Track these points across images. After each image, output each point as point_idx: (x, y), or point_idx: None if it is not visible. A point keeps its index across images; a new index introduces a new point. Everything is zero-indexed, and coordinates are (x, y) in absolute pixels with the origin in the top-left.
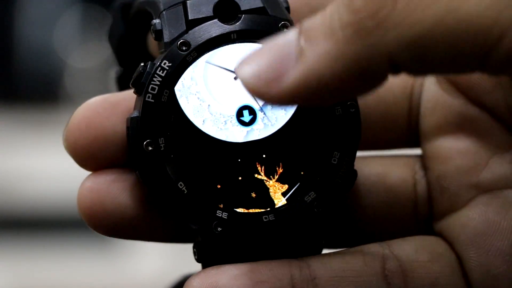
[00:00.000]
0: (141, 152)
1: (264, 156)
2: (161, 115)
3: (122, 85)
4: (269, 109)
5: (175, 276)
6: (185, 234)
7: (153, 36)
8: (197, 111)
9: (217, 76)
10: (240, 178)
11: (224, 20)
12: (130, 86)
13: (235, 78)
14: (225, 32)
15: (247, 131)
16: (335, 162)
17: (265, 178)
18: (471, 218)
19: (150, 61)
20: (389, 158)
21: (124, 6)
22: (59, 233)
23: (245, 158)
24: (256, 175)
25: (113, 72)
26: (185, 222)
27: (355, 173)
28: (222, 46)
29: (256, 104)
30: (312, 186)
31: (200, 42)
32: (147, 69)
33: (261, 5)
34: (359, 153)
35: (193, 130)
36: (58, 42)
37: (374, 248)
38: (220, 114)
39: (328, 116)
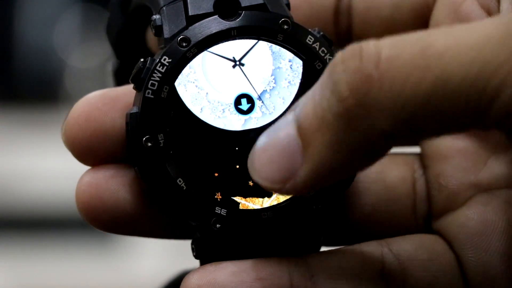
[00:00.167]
0: (140, 148)
1: None
2: (160, 111)
3: (119, 78)
4: (267, 97)
5: (173, 273)
6: (183, 230)
7: (153, 31)
8: (195, 99)
9: (216, 65)
10: (237, 166)
11: (224, 17)
12: (130, 81)
13: (234, 67)
14: (225, 28)
15: (245, 120)
16: None
17: None
18: (469, 218)
19: (148, 55)
20: (388, 156)
21: (123, 1)
22: (58, 232)
23: (243, 147)
24: None
25: (110, 65)
26: (184, 219)
27: None
28: (222, 42)
29: (254, 93)
30: None
31: (200, 38)
32: (147, 65)
33: (261, 1)
34: None
35: (191, 120)
36: (58, 42)
37: (373, 246)
38: (218, 102)
39: None
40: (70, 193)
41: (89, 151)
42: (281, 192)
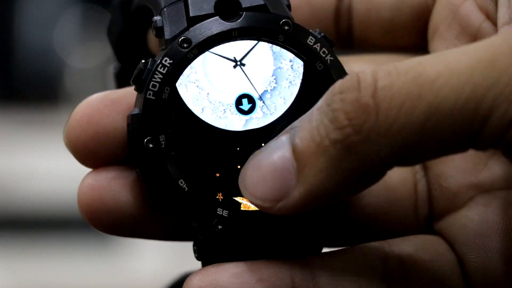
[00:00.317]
0: (141, 150)
1: (263, 145)
2: (162, 112)
3: (120, 81)
4: (268, 97)
5: (175, 275)
6: (185, 232)
7: (154, 32)
8: (196, 99)
9: (217, 65)
10: (239, 167)
11: (225, 18)
12: (131, 83)
13: (235, 67)
14: (226, 29)
15: (246, 120)
16: None
17: None
18: (470, 219)
19: (149, 57)
20: None
21: (123, 2)
22: (59, 233)
23: (244, 147)
24: None
25: (111, 67)
26: (185, 220)
27: None
28: (223, 43)
29: (255, 93)
30: None
31: (201, 39)
32: (148, 66)
33: (262, 2)
34: None
35: (193, 121)
36: (58, 42)
37: (375, 247)
38: (219, 103)
39: None
40: (70, 193)
41: (90, 153)
42: (271, 211)
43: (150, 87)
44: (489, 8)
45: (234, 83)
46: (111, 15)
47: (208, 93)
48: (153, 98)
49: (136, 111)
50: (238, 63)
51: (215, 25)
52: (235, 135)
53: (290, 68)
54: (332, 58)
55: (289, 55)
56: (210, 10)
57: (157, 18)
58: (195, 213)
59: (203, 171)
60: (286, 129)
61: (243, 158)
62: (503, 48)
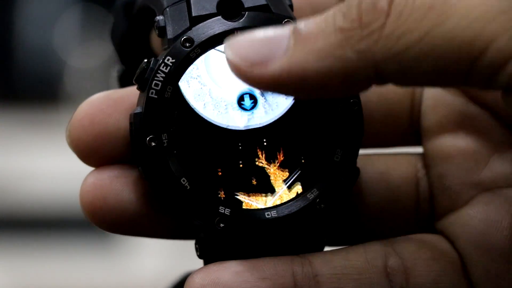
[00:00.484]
0: (144, 148)
1: (264, 142)
2: (164, 111)
3: (123, 84)
4: (270, 94)
5: (176, 274)
6: (187, 230)
7: (157, 32)
8: (198, 95)
9: (219, 61)
10: (241, 164)
11: (227, 17)
12: (134, 82)
13: None
14: (228, 29)
15: (248, 117)
16: (338, 160)
17: (266, 165)
18: (472, 217)
19: (152, 57)
20: (391, 156)
21: (126, 4)
22: (59, 232)
23: (246, 144)
24: (257, 162)
25: (114, 70)
26: (187, 218)
27: (357, 170)
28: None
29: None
30: (315, 183)
31: (203, 39)
32: (151, 65)
33: (264, 2)
34: (361, 151)
35: (195, 120)
36: (58, 42)
37: (376, 245)
38: (221, 99)
39: (330, 114)
40: (70, 193)
41: (93, 152)
42: (244, 77)
43: (153, 86)
44: None
45: (236, 80)
46: (114, 18)
47: (210, 89)
48: (156, 97)
49: (139, 109)
50: None
51: (218, 24)
52: (237, 134)
53: None
54: None
55: None
56: (213, 9)
57: (159, 17)
58: (197, 211)
59: (205, 170)
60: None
61: (245, 156)
62: None
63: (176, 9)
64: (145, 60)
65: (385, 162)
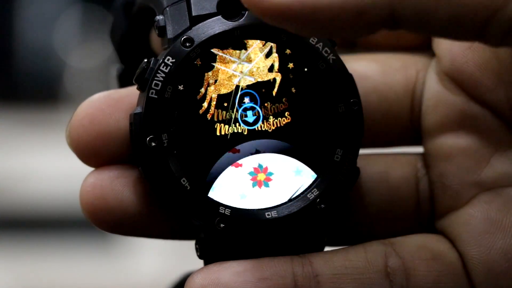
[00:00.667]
0: (144, 148)
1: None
2: (164, 111)
3: (123, 83)
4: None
5: (176, 275)
6: (187, 230)
7: (157, 32)
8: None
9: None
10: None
11: (227, 17)
12: (134, 82)
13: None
14: (228, 28)
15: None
16: (338, 159)
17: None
18: (473, 216)
19: (152, 57)
20: (391, 156)
21: (126, 3)
22: (59, 233)
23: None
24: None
25: (114, 69)
26: (187, 218)
27: (357, 170)
28: (226, 42)
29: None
30: (315, 183)
31: (203, 39)
32: (151, 65)
33: None
34: (361, 151)
35: (195, 120)
36: (58, 42)
37: (377, 245)
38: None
39: (331, 114)
40: (70, 193)
41: (93, 152)
42: (256, 6)
43: (153, 86)
44: None
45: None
46: (113, 17)
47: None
48: (156, 97)
49: (139, 110)
50: (240, 62)
51: (218, 24)
52: (238, 134)
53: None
54: (334, 57)
55: (291, 55)
56: (213, 9)
57: (159, 17)
58: (197, 211)
59: (205, 170)
60: None
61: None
62: None
63: (176, 8)
64: (145, 60)
65: (385, 162)
